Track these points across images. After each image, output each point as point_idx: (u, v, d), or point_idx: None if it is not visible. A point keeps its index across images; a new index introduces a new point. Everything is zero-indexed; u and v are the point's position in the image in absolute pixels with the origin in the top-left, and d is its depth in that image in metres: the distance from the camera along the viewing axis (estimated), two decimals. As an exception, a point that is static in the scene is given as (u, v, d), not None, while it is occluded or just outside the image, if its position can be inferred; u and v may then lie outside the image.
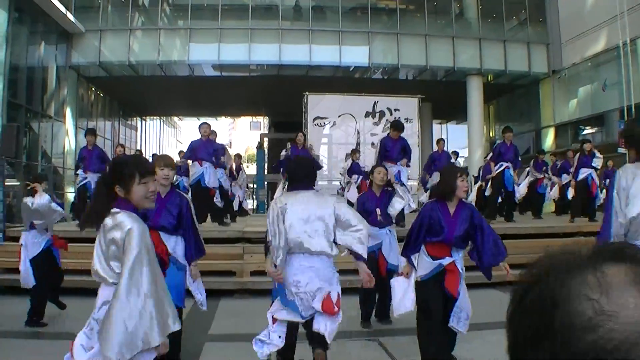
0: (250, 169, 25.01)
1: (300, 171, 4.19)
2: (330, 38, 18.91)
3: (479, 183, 12.25)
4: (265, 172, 22.01)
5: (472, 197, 11.75)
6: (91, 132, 10.83)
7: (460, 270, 4.44)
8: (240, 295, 7.46)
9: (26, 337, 5.51)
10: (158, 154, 16.44)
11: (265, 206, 20.05)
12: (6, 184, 12.77)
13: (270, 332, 4.05)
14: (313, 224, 3.91)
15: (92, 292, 2.87)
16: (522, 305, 0.63)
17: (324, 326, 3.97)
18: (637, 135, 4.07)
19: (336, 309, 3.91)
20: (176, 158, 14.66)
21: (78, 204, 10.66)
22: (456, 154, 14.45)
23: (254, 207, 22.37)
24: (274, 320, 4.06)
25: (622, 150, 15.62)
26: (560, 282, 0.60)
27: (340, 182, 13.91)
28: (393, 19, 19.81)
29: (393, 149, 9.50)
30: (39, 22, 16.42)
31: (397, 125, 9.84)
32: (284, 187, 10.02)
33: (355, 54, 19.21)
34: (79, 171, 10.46)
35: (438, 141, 12.45)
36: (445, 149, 11.94)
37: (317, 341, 4.06)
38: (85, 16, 17.89)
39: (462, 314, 4.33)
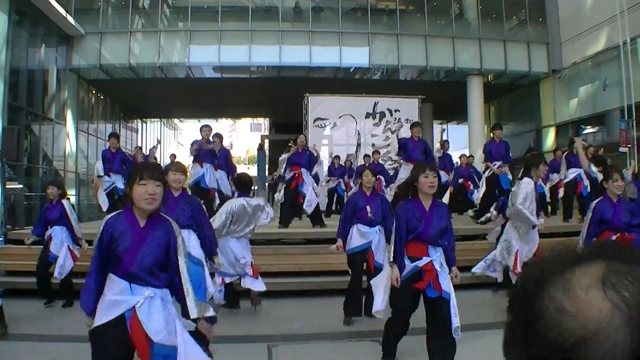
0: (252, 170, 24.98)
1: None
2: (330, 39, 18.91)
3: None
4: (267, 173, 21.99)
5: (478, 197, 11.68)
6: (115, 136, 11.03)
7: (438, 269, 4.36)
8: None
9: (30, 340, 5.50)
10: (175, 154, 16.43)
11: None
12: (7, 186, 12.80)
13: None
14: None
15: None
16: (509, 302, 0.69)
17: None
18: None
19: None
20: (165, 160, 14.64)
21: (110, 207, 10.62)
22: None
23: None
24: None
25: (623, 149, 15.64)
26: (535, 284, 0.65)
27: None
28: (393, 19, 19.81)
29: (414, 149, 9.61)
30: (39, 24, 16.43)
31: (414, 124, 10.20)
32: (283, 188, 10.11)
33: (355, 55, 19.20)
34: (104, 177, 10.45)
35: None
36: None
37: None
38: (85, 19, 17.91)
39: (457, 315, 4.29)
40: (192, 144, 9.93)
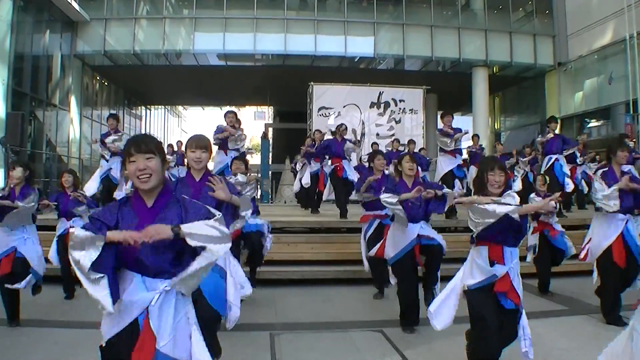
0: (255, 158, 24.95)
1: None
2: (335, 28, 18.86)
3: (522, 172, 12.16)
4: (270, 161, 21.98)
5: (518, 187, 11.72)
6: (113, 117, 10.17)
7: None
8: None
9: (50, 326, 5.52)
10: (181, 141, 16.04)
11: (270, 196, 20.05)
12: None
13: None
14: None
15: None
16: None
17: None
18: None
19: None
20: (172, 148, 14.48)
21: (103, 194, 10.07)
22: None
23: (259, 196, 22.36)
24: None
25: (628, 143, 15.60)
26: None
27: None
28: (399, 9, 19.73)
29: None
30: (43, 10, 16.39)
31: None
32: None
33: (360, 45, 19.15)
34: (102, 161, 10.00)
35: (473, 137, 13.03)
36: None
37: None
38: (90, 5, 17.88)
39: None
40: (216, 132, 9.12)
